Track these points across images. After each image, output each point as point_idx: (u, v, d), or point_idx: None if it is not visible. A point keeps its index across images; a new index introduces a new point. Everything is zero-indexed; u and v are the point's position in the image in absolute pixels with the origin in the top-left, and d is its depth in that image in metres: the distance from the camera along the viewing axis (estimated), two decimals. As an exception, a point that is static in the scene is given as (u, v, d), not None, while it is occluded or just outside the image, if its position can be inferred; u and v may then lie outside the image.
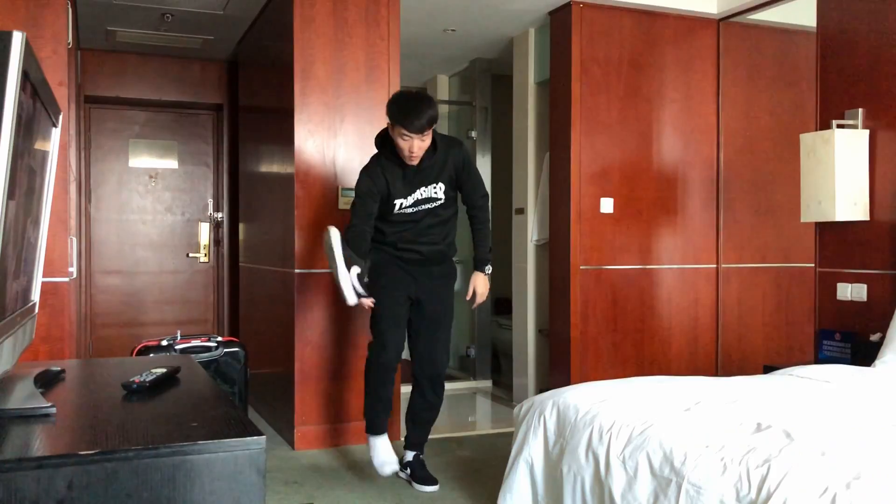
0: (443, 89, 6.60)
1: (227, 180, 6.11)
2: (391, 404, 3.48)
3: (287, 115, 4.16)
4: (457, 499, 3.27)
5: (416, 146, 3.17)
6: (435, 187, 3.32)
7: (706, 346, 4.89)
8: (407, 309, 3.42)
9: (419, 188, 3.31)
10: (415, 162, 3.24)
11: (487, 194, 3.49)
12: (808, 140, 3.82)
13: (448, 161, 3.31)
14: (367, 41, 4.19)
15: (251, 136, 5.38)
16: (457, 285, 3.63)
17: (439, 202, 3.34)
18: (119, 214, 5.99)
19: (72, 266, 3.66)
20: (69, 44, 3.60)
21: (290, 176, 4.14)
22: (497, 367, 6.08)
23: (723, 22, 4.84)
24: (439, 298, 3.44)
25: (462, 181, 3.38)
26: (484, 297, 3.47)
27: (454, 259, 3.57)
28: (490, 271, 3.46)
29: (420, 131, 3.13)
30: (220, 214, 6.17)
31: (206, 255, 6.17)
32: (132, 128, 6.02)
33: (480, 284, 3.44)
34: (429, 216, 3.35)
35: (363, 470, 3.67)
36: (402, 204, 3.30)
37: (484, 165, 6.11)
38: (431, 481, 3.42)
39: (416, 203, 3.32)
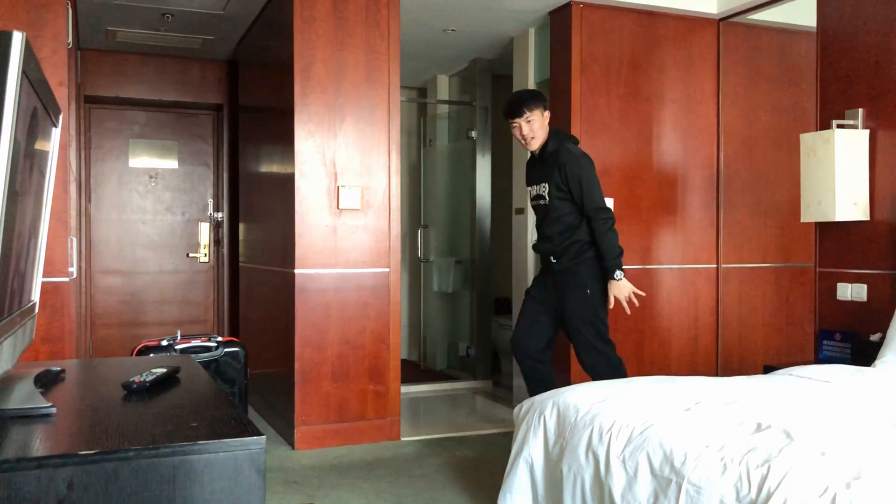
0: (443, 89, 6.59)
1: (227, 180, 6.11)
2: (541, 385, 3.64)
3: (287, 115, 4.16)
4: (457, 499, 3.27)
5: (523, 129, 3.54)
6: (542, 186, 3.59)
7: (706, 346, 4.89)
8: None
9: (534, 184, 3.66)
10: (531, 147, 3.58)
11: (600, 206, 3.47)
12: (808, 140, 3.82)
13: (553, 164, 3.53)
14: (367, 41, 4.19)
15: (251, 136, 5.38)
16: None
17: (544, 202, 3.59)
18: (119, 214, 5.99)
19: (72, 266, 3.66)
20: (69, 44, 3.60)
21: (290, 176, 4.14)
22: (497, 367, 6.08)
23: (723, 22, 4.84)
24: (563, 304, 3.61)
25: (572, 189, 3.51)
26: (625, 300, 3.49)
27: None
28: (619, 277, 3.46)
29: (511, 116, 3.54)
30: (220, 214, 6.17)
31: (206, 255, 6.17)
32: (132, 128, 6.02)
33: (613, 289, 3.49)
34: (546, 216, 3.61)
35: (363, 470, 3.67)
36: (529, 193, 3.70)
37: (484, 165, 6.11)
38: None
39: (534, 198, 3.66)
